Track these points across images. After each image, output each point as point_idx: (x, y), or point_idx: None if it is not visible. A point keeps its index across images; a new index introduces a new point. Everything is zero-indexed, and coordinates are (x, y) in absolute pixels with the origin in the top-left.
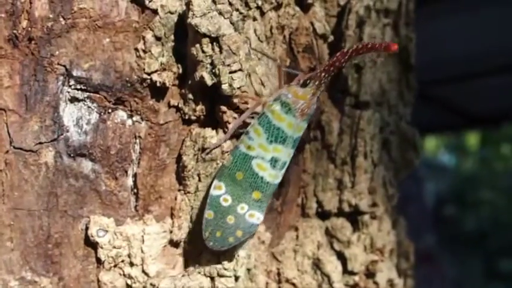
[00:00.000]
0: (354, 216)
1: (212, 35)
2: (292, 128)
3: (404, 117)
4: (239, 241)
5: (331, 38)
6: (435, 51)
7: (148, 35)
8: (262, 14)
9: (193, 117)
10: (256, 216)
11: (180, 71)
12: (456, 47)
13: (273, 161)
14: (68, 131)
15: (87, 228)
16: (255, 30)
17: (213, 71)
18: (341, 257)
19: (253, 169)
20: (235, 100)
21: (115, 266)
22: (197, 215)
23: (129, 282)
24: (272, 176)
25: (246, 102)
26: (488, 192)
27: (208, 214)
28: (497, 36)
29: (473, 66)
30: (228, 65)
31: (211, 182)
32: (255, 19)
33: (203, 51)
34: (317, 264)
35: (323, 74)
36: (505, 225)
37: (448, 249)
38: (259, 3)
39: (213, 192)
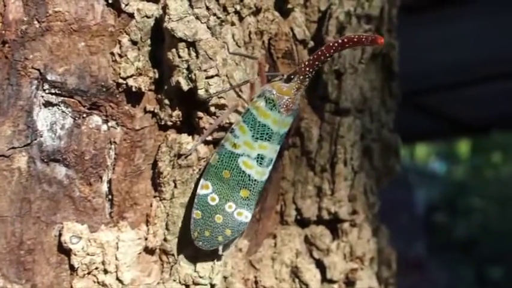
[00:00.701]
0: (333, 224)
1: (189, 40)
2: (277, 124)
3: (387, 125)
4: (228, 240)
5: (311, 43)
6: (426, 60)
7: (125, 39)
8: (241, 19)
9: (169, 123)
10: (245, 215)
11: (157, 75)
12: (446, 56)
13: (259, 158)
14: (41, 136)
15: (60, 235)
16: (233, 35)
17: (190, 76)
18: (320, 265)
19: (240, 167)
20: (212, 106)
21: (89, 273)
22: (173, 222)
23: None
24: (259, 174)
25: (222, 108)
26: (479, 200)
27: (196, 214)
28: (487, 45)
29: (463, 75)
30: (205, 70)
31: (198, 182)
32: (233, 24)
33: (179, 56)
34: (295, 273)
35: (307, 69)
36: (496, 233)
37: (439, 256)
38: (238, 8)
39: (200, 191)
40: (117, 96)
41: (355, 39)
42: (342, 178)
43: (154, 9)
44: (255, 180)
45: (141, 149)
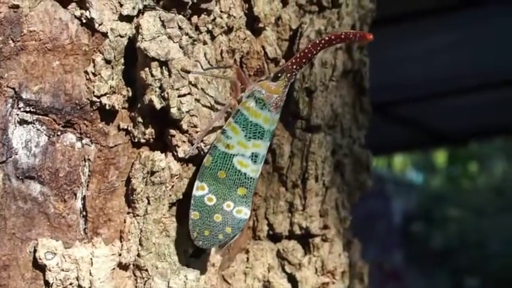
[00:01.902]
0: (305, 239)
1: (161, 59)
2: (268, 123)
3: (358, 140)
4: (229, 237)
5: (282, 61)
6: (404, 72)
7: (98, 58)
8: (213, 37)
9: (142, 140)
10: (244, 212)
11: (130, 94)
12: (424, 68)
13: (254, 157)
14: (16, 154)
15: (35, 251)
16: (205, 54)
17: (162, 94)
18: (292, 280)
19: (235, 167)
20: (184, 123)
21: None
22: (146, 237)
23: None
24: (254, 171)
25: (195, 126)
26: (456, 210)
27: (194, 215)
28: (464, 58)
29: (441, 87)
30: (177, 89)
31: (193, 184)
32: (205, 43)
33: (152, 75)
34: (267, 287)
35: (294, 66)
36: (472, 243)
37: (416, 266)
38: (210, 27)
39: (196, 193)
40: (91, 114)
41: (342, 36)
42: (313, 194)
43: (127, 29)
44: (251, 177)
45: (114, 166)
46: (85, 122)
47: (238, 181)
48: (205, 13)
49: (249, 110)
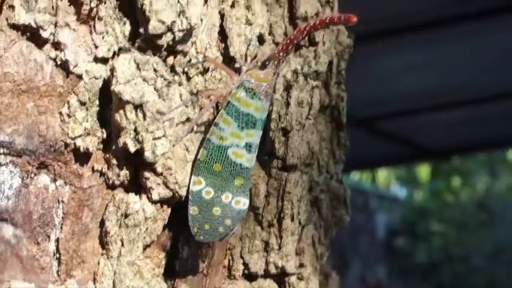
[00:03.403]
0: (281, 278)
1: (136, 102)
2: (259, 111)
3: (336, 176)
4: (229, 230)
5: None
6: (387, 87)
7: (73, 100)
8: (189, 78)
9: (117, 182)
10: (242, 202)
11: (105, 135)
12: (407, 83)
13: (248, 146)
14: None
15: None
16: (180, 95)
17: (137, 137)
18: None
19: (230, 158)
20: (159, 166)
21: None
22: (120, 280)
23: None
24: (249, 161)
25: (170, 169)
26: (439, 224)
27: (193, 210)
28: (446, 73)
29: (424, 102)
30: (152, 132)
31: (190, 179)
32: (180, 84)
33: (127, 118)
34: None
35: (281, 54)
36: (456, 257)
37: (399, 280)
38: (186, 68)
39: (193, 188)
40: (66, 155)
41: (327, 21)
42: (289, 233)
43: (102, 71)
44: (246, 167)
45: (88, 207)
46: (59, 163)
47: (234, 172)
48: (181, 54)
49: (240, 101)
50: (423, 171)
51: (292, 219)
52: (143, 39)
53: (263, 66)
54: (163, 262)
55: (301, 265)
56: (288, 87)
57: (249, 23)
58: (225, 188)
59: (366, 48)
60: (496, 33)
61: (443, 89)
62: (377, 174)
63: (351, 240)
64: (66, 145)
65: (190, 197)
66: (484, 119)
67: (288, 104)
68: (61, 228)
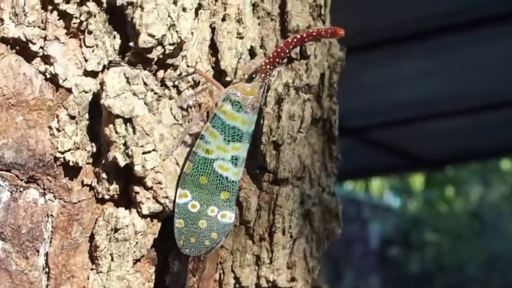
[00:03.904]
0: None
1: (125, 116)
2: (246, 124)
3: (328, 188)
4: (215, 243)
5: None
6: (381, 96)
7: (62, 114)
8: (179, 92)
9: (106, 196)
10: (228, 216)
11: (94, 149)
12: (401, 93)
13: (234, 160)
14: None
15: None
16: (170, 109)
17: (126, 151)
18: None
19: (216, 171)
20: (149, 180)
21: None
22: None
23: None
24: (236, 174)
25: (159, 183)
26: (433, 234)
27: (179, 223)
28: (439, 82)
29: (417, 111)
30: (142, 146)
31: (176, 192)
32: (171, 98)
33: (116, 132)
34: None
35: (268, 66)
36: (449, 267)
37: None
38: (176, 82)
39: (179, 200)
40: (55, 169)
41: (315, 34)
42: (281, 247)
43: (92, 84)
44: (233, 181)
45: (78, 222)
46: (48, 177)
47: (220, 185)
48: (171, 68)
49: (226, 114)
50: (417, 180)
51: (284, 233)
52: (133, 53)
53: (250, 79)
54: (154, 277)
55: (293, 279)
56: (279, 101)
57: (240, 36)
58: (210, 202)
59: (361, 58)
60: (489, 43)
61: (436, 99)
62: (370, 183)
63: (345, 250)
64: (56, 159)
65: (176, 209)
66: (477, 129)
67: (279, 118)
68: (50, 242)
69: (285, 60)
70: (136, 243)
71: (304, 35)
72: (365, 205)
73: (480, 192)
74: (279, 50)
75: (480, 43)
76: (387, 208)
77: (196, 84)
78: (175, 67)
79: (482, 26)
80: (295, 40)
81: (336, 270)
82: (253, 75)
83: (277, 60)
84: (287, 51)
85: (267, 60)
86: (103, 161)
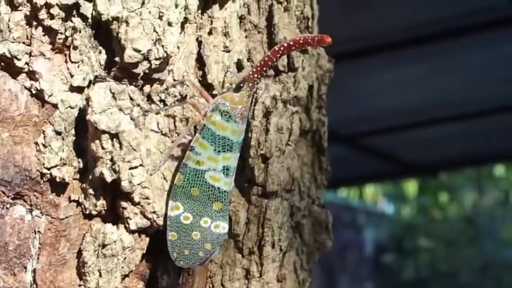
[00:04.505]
0: None
1: (112, 132)
2: (236, 134)
3: (317, 200)
4: (209, 254)
5: None
6: (375, 103)
7: (49, 130)
8: (166, 106)
9: (94, 212)
10: (222, 226)
11: (81, 165)
12: (395, 99)
13: (225, 170)
14: None
15: None
16: (157, 124)
17: (113, 167)
18: None
19: (208, 182)
20: (136, 195)
21: None
22: None
23: None
24: (227, 184)
25: (147, 198)
26: (427, 240)
27: (172, 235)
28: (433, 89)
29: (411, 118)
30: (128, 161)
31: (167, 204)
32: (157, 112)
33: (103, 148)
34: None
35: (256, 75)
36: (444, 273)
37: None
38: (163, 96)
39: (171, 213)
40: (42, 185)
41: (302, 42)
42: (270, 260)
43: (78, 100)
44: (225, 191)
45: (65, 238)
46: (35, 193)
47: (212, 196)
48: (157, 82)
49: (215, 124)
50: (410, 187)
51: (273, 246)
52: (119, 68)
53: (237, 88)
54: None
55: None
56: (267, 114)
57: (227, 50)
58: (203, 213)
59: (352, 66)
60: (482, 49)
61: (429, 105)
62: (364, 190)
63: (339, 257)
64: (42, 175)
65: (168, 222)
66: (470, 135)
67: (267, 131)
68: (38, 259)
69: (273, 72)
70: (125, 258)
71: (291, 43)
72: (359, 212)
73: (474, 198)
74: (266, 58)
75: (472, 50)
76: (381, 215)
77: (183, 98)
78: (161, 81)
79: (474, 33)
80: (282, 48)
81: (330, 277)
82: (241, 85)
83: (264, 69)
84: (274, 60)
85: (254, 69)
86: (90, 177)
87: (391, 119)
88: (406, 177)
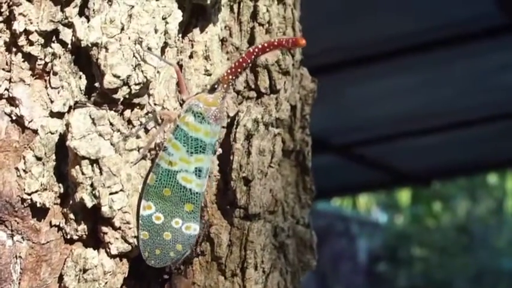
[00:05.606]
0: None
1: (92, 157)
2: (209, 136)
3: (302, 220)
4: (180, 254)
5: (219, 150)
6: (367, 113)
7: (29, 155)
8: (147, 131)
9: (75, 237)
10: (193, 228)
11: (62, 190)
12: (387, 109)
13: (198, 171)
14: None
15: None
16: (138, 149)
17: (93, 192)
18: None
19: (180, 183)
20: (117, 220)
21: None
22: None
23: None
24: (199, 186)
25: (128, 223)
26: (420, 249)
27: (144, 235)
28: (425, 98)
29: (404, 127)
30: (109, 187)
31: (139, 203)
32: (138, 137)
33: (83, 173)
34: None
35: (230, 77)
36: (438, 282)
37: None
38: (144, 120)
39: (143, 212)
40: (23, 211)
41: (276, 43)
42: (253, 282)
43: (58, 125)
44: (197, 192)
45: (46, 263)
46: (16, 219)
47: (184, 197)
48: (138, 107)
49: (188, 125)
50: (404, 196)
51: (256, 268)
52: (99, 93)
53: (212, 90)
54: None
55: None
56: (248, 137)
57: (207, 73)
58: (175, 214)
59: (346, 75)
60: (474, 58)
61: (422, 114)
62: (358, 200)
63: (333, 266)
64: (23, 200)
65: (140, 221)
66: (463, 144)
67: (249, 153)
68: (19, 284)
69: (255, 95)
70: (106, 283)
71: (266, 44)
72: (353, 221)
73: (467, 207)
74: (240, 60)
75: (464, 59)
76: (375, 224)
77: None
78: (142, 106)
79: (465, 43)
80: (256, 50)
81: (324, 287)
82: (216, 86)
83: (239, 70)
84: (249, 61)
85: (229, 71)
86: (71, 202)
87: (384, 129)
88: (400, 187)
